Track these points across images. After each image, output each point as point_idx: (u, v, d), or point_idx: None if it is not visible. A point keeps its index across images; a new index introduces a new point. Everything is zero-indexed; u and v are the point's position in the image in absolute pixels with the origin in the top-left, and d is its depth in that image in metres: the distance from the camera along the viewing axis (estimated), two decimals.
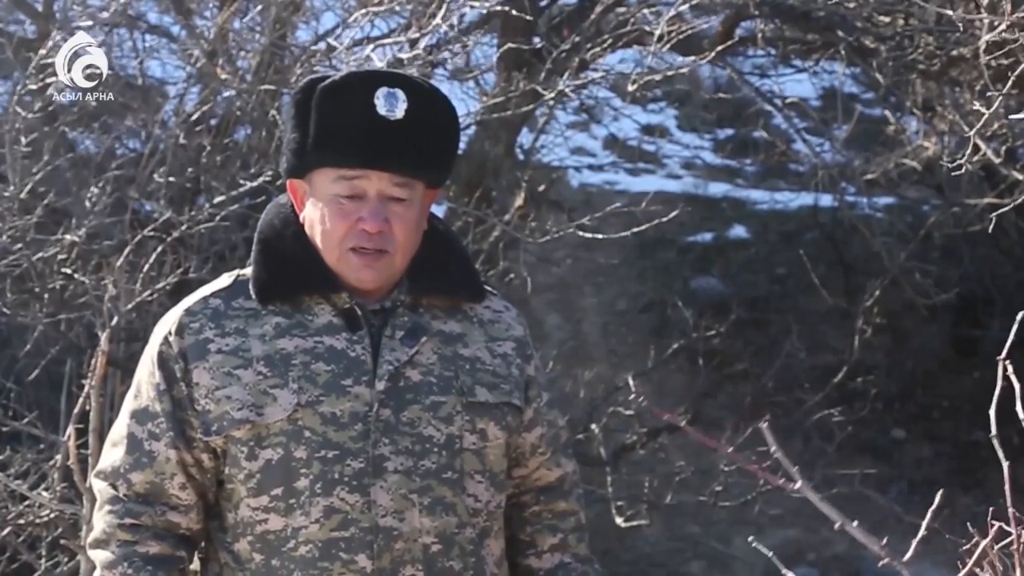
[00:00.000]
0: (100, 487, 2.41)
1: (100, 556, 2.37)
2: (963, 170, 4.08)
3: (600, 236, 6.11)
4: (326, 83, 2.35)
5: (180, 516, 2.37)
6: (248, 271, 2.41)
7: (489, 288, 2.52)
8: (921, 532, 1.85)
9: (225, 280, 2.43)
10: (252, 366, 2.33)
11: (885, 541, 1.87)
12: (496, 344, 2.45)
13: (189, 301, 2.41)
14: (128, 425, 2.39)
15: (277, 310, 2.37)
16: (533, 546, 2.53)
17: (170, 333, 2.37)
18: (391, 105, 2.32)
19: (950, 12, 4.83)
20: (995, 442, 1.94)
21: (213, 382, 2.33)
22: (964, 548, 1.91)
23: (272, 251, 2.40)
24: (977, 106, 4.77)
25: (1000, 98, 3.98)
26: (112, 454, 2.40)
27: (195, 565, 2.44)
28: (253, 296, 2.37)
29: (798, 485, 1.91)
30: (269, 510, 2.32)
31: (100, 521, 2.39)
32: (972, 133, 3.97)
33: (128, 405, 2.41)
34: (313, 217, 2.37)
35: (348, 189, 2.34)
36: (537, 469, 2.51)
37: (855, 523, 1.87)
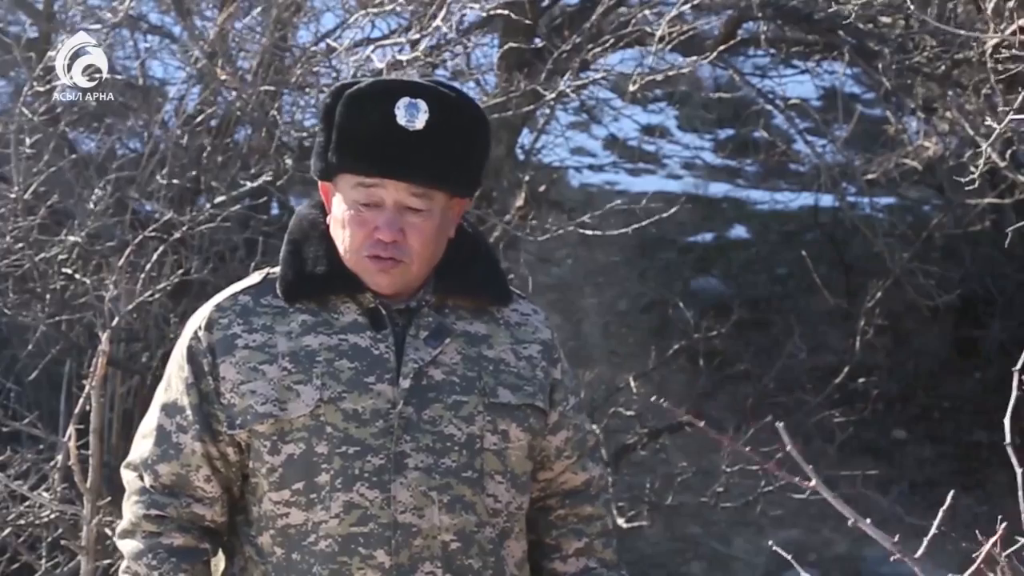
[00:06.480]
0: (129, 478, 2.44)
1: (127, 546, 2.41)
2: (974, 174, 4.08)
3: (600, 233, 6.10)
4: (352, 89, 2.37)
5: (205, 508, 2.40)
6: (277, 269, 2.44)
7: (517, 291, 2.54)
8: (932, 531, 1.84)
9: (256, 277, 2.47)
10: (277, 362, 2.36)
11: (896, 538, 1.87)
12: (522, 346, 2.47)
13: (220, 297, 2.44)
14: (158, 417, 2.43)
15: (304, 308, 2.40)
16: (558, 550, 2.53)
17: (200, 328, 2.41)
18: (411, 115, 2.33)
19: (953, 8, 4.82)
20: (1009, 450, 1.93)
21: (239, 376, 2.36)
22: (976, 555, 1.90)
23: (299, 252, 2.43)
24: (984, 108, 4.76)
25: (1011, 105, 3.97)
26: (141, 445, 2.43)
27: (220, 558, 2.46)
28: (280, 295, 2.40)
29: (813, 483, 1.91)
30: (290, 504, 2.35)
31: (127, 511, 2.43)
32: (984, 142, 3.96)
33: (159, 398, 2.45)
34: (337, 220, 2.41)
35: (366, 197, 2.36)
36: (563, 473, 2.52)
37: (868, 520, 1.87)
